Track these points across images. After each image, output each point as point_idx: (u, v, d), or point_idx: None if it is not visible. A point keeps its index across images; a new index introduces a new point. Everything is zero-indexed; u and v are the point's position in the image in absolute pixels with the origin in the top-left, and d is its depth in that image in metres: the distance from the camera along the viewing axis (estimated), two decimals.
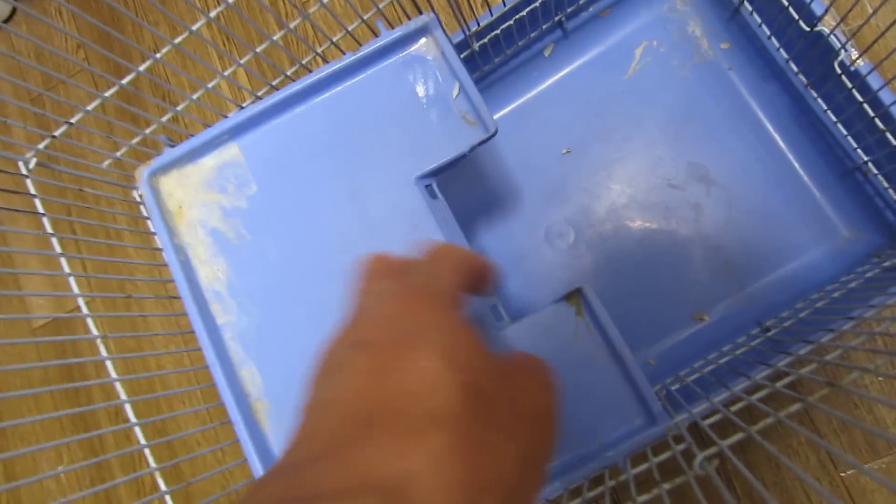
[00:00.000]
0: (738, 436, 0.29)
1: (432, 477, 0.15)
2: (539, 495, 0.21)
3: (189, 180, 0.42)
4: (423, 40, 0.40)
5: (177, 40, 0.42)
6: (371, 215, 0.39)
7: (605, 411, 0.34)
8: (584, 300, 0.34)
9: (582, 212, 0.58)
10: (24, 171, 0.37)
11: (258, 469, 0.37)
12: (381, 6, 0.40)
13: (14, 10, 0.88)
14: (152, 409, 0.74)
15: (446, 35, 0.39)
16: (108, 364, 0.42)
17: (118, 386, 0.43)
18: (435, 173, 0.39)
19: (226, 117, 0.41)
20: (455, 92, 0.39)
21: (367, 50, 0.39)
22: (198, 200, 0.41)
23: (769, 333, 0.47)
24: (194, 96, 0.39)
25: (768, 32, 0.52)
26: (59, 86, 0.84)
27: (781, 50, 0.52)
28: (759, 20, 0.53)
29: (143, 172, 0.41)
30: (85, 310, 0.41)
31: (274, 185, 0.40)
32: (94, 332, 0.40)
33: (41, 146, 0.37)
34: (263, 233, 0.39)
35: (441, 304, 0.20)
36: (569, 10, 0.55)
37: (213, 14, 0.40)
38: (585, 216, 0.58)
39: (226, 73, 0.41)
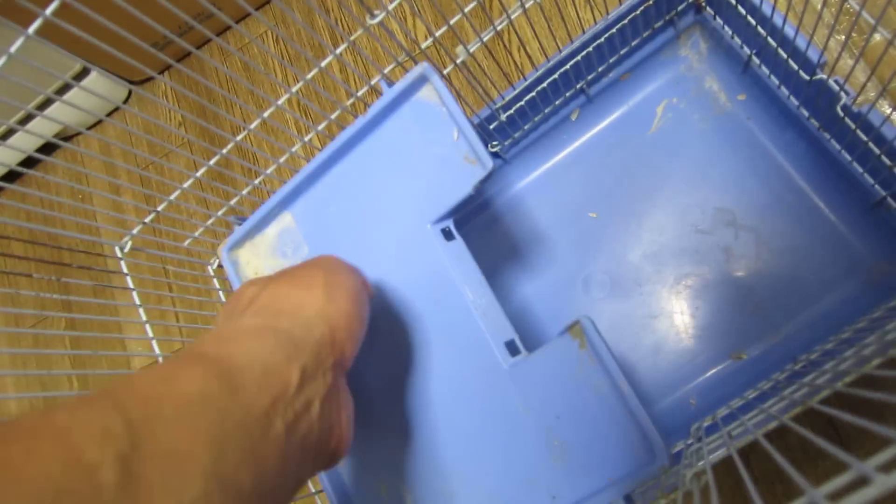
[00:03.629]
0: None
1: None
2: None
3: (259, 249, 0.49)
4: (422, 89, 0.43)
5: (265, 113, 0.49)
6: (396, 260, 0.43)
7: (613, 446, 0.35)
8: (584, 332, 0.37)
9: (616, 261, 0.62)
10: (119, 255, 0.45)
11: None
12: (385, 71, 0.46)
13: (130, 92, 1.02)
14: None
15: (442, 81, 0.42)
16: None
17: None
18: (448, 216, 0.42)
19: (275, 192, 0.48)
20: (455, 135, 0.42)
21: (374, 109, 0.44)
22: (267, 266, 0.48)
23: (796, 367, 0.48)
24: (267, 172, 0.47)
25: (777, 83, 0.55)
26: (165, 156, 0.96)
27: (791, 98, 0.55)
28: (767, 72, 0.56)
29: (222, 250, 0.49)
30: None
31: (321, 244, 0.46)
32: None
33: (135, 231, 0.46)
34: None
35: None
36: (588, 77, 0.61)
37: (294, 89, 0.47)
38: (620, 265, 0.61)
39: (305, 139, 0.49)
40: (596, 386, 0.36)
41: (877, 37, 0.60)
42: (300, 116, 0.48)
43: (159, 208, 0.46)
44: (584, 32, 0.57)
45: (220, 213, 0.49)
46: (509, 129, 0.62)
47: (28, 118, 0.89)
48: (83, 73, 0.90)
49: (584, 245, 0.63)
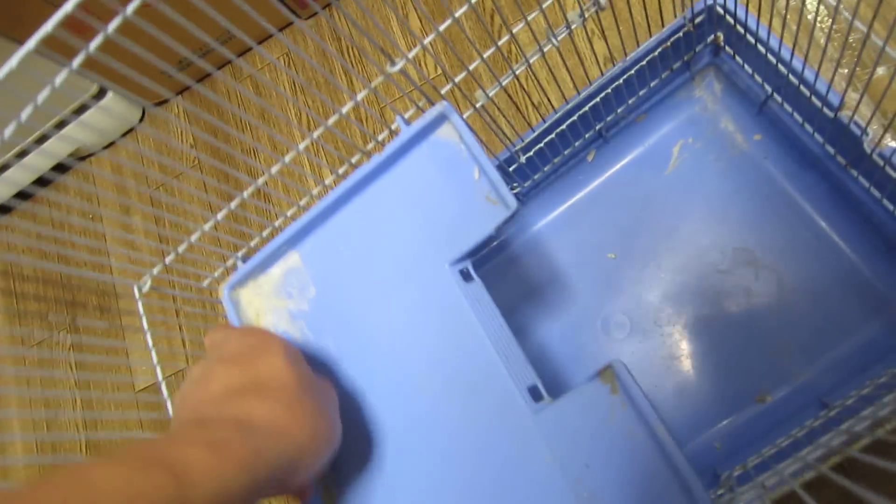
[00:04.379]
0: None
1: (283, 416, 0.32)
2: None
3: (262, 289, 0.48)
4: (441, 128, 0.42)
5: (287, 158, 0.47)
6: (411, 302, 0.42)
7: (648, 496, 0.34)
8: (616, 377, 0.36)
9: (636, 302, 0.61)
10: (136, 295, 0.45)
11: None
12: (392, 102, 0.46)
13: (144, 114, 1.04)
14: None
15: (463, 119, 0.41)
16: None
17: None
18: (466, 256, 0.41)
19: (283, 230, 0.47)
20: (476, 174, 0.41)
21: (390, 148, 0.43)
22: (271, 307, 0.47)
23: (830, 413, 0.47)
24: (288, 213, 0.47)
25: (801, 120, 0.55)
26: (174, 178, 0.96)
27: (816, 135, 0.54)
28: (790, 109, 0.55)
29: (224, 289, 0.47)
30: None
31: (329, 286, 0.45)
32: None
33: (155, 271, 0.45)
34: (323, 332, 0.44)
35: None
36: (607, 119, 0.61)
37: (315, 134, 0.47)
38: (639, 306, 0.60)
39: (326, 182, 0.49)
40: (629, 433, 0.35)
41: None
42: (312, 155, 0.48)
43: (180, 249, 0.46)
44: (602, 75, 0.57)
45: (239, 254, 0.48)
46: (528, 171, 0.61)
47: (42, 138, 0.90)
48: (98, 94, 0.92)
49: (603, 286, 0.62)
